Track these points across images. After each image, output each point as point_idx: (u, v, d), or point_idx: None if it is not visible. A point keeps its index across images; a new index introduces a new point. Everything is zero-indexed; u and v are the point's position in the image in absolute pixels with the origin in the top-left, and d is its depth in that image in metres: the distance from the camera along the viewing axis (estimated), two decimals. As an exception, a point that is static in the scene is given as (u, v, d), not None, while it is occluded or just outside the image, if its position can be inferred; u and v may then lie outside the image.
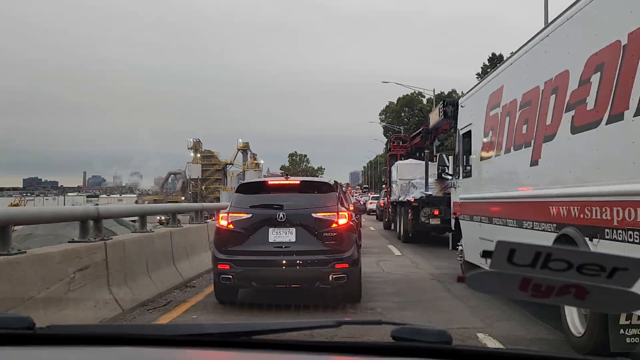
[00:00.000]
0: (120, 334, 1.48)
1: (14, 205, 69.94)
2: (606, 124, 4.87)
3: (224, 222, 7.71)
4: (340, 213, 7.65)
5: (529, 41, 7.23)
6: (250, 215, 7.69)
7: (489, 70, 45.17)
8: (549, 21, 7.03)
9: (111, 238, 7.80)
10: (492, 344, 5.64)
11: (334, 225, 7.56)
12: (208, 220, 13.34)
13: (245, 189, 8.32)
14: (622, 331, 4.62)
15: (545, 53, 6.50)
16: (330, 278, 7.33)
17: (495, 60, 48.28)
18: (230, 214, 7.75)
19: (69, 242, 7.16)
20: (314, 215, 7.60)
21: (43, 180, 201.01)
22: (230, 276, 7.43)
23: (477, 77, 48.53)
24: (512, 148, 7.45)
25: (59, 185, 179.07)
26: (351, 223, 7.81)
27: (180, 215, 13.37)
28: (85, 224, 7.16)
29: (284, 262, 7.41)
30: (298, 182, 8.34)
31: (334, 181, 8.56)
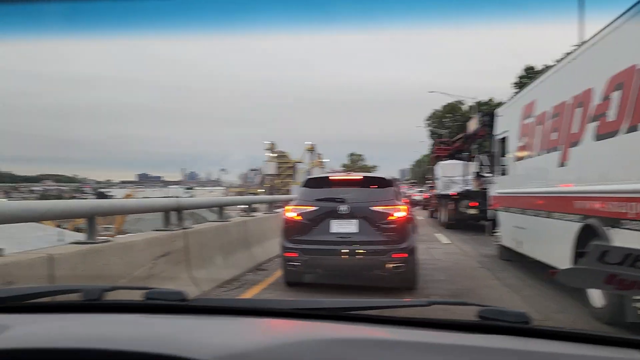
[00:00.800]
0: (251, 307, 1.51)
1: (128, 195, 71.98)
2: (624, 133, 4.98)
3: (291, 214, 7.05)
4: (397, 206, 6.85)
5: (557, 63, 7.56)
6: (315, 207, 6.98)
7: (523, 80, 42.96)
8: (581, 42, 7.60)
9: (192, 227, 7.24)
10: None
11: (392, 217, 6.76)
12: (277, 210, 12.69)
13: (311, 183, 7.58)
14: (634, 304, 4.70)
15: (573, 73, 6.59)
16: (389, 267, 6.56)
17: (530, 72, 45.76)
18: (297, 206, 7.09)
19: (153, 230, 6.64)
20: (373, 208, 6.82)
21: (151, 175, 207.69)
22: (297, 263, 6.79)
23: (513, 86, 46.18)
24: (543, 151, 7.52)
25: (162, 179, 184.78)
26: (408, 215, 6.98)
27: (256, 205, 12.92)
28: (167, 214, 6.63)
29: (346, 251, 6.67)
30: (359, 177, 7.54)
31: (392, 176, 7.72)
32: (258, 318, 1.39)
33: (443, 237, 15.21)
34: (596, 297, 5.54)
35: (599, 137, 5.53)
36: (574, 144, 6.23)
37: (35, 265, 3.95)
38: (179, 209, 6.83)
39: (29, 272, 3.83)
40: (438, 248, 12.40)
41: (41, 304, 1.47)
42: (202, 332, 1.14)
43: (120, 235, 6.55)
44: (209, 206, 9.20)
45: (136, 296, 1.48)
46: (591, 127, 5.72)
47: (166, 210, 6.59)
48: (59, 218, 4.69)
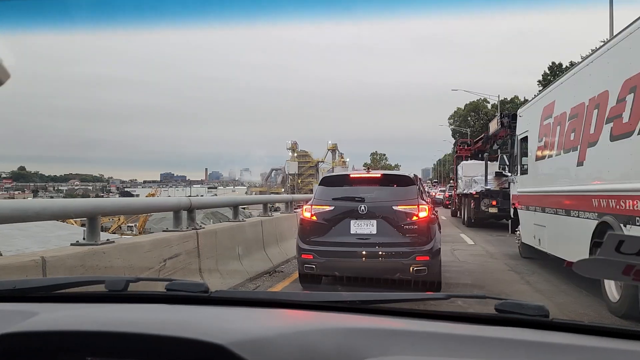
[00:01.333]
0: (271, 299, 1.51)
1: (151, 195, 72.53)
2: (638, 134, 5.12)
3: (307, 214, 6.65)
4: (420, 206, 6.39)
5: (575, 66, 7.76)
6: (333, 207, 6.57)
7: (549, 77, 41.79)
8: (605, 40, 7.92)
9: (203, 227, 6.91)
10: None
11: (415, 217, 6.31)
12: (297, 210, 12.33)
13: (328, 182, 7.16)
14: None
15: (590, 76, 6.69)
16: (411, 270, 6.11)
17: (555, 69, 44.48)
18: (313, 206, 6.67)
19: (163, 231, 6.32)
20: (394, 207, 6.38)
21: (174, 175, 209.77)
22: (313, 266, 6.38)
23: (538, 84, 44.94)
24: (562, 151, 7.61)
25: (186, 179, 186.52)
26: (431, 215, 6.52)
27: (278, 204, 12.57)
28: (178, 214, 6.30)
29: (365, 253, 6.26)
30: (379, 175, 7.10)
31: (414, 174, 7.25)
32: (277, 309, 1.39)
33: (467, 238, 14.67)
34: (611, 290, 5.75)
35: (614, 137, 5.70)
36: (591, 144, 6.40)
37: (27, 268, 3.65)
38: (190, 209, 6.50)
39: (20, 277, 3.52)
40: (463, 249, 11.86)
41: (68, 294, 1.51)
42: (221, 320, 1.16)
43: (125, 236, 6.24)
44: (221, 205, 8.89)
45: (160, 288, 1.50)
46: (607, 129, 5.90)
47: (176, 210, 6.26)
48: (56, 218, 4.38)
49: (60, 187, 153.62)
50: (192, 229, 6.43)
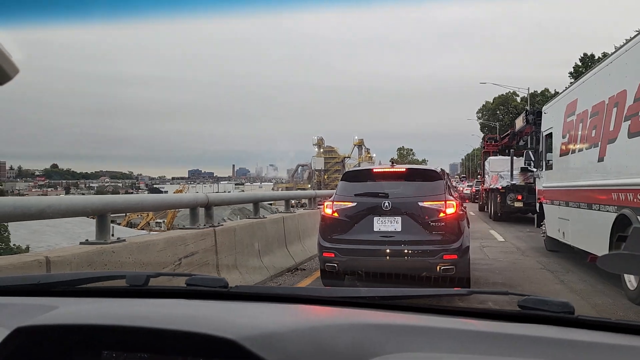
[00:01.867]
0: (290, 294, 1.49)
1: (179, 191, 73.24)
2: None
3: (328, 210, 6.35)
4: (447, 202, 6.02)
5: (596, 65, 8.03)
6: (355, 203, 6.25)
7: (581, 69, 40.46)
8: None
9: (222, 224, 6.69)
10: None
11: (442, 214, 5.94)
12: (320, 206, 12.06)
13: (351, 177, 6.83)
14: None
15: (609, 76, 6.91)
16: (438, 269, 5.77)
17: (587, 60, 43.03)
18: (335, 202, 6.37)
19: (179, 228, 6.13)
20: (420, 204, 6.02)
21: (202, 172, 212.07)
22: (335, 264, 6.08)
23: (569, 76, 43.54)
24: (584, 147, 7.87)
25: (214, 176, 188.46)
26: (459, 211, 6.16)
27: (304, 200, 12.32)
28: (194, 211, 6.10)
29: (389, 251, 5.93)
30: (404, 169, 6.75)
31: (441, 169, 6.88)
32: (294, 304, 1.36)
33: (497, 234, 14.18)
34: (630, 278, 6.02)
35: (632, 135, 5.93)
36: (611, 141, 6.63)
37: (31, 268, 3.48)
38: (207, 206, 6.29)
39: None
40: (493, 246, 11.41)
41: (89, 288, 1.54)
42: (236, 315, 1.15)
43: (140, 233, 6.08)
44: (240, 202, 8.64)
45: (180, 283, 1.50)
46: (625, 126, 6.13)
47: (193, 207, 6.05)
48: (63, 216, 4.21)
49: (91, 184, 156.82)
50: (210, 226, 6.22)
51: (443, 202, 5.99)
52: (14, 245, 28.21)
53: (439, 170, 6.70)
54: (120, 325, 1.04)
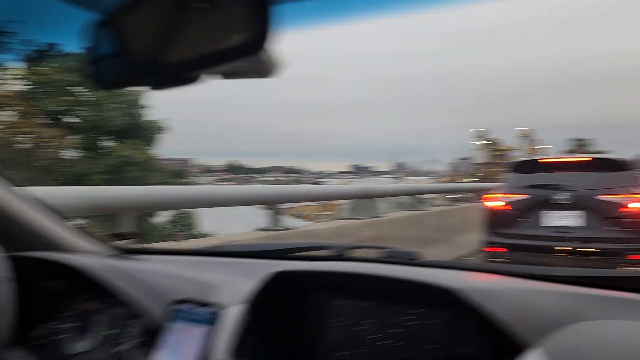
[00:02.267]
0: (481, 267, 1.46)
1: (343, 184, 75.81)
2: None
3: (495, 203, 6.02)
4: (636, 195, 5.32)
5: None
6: (526, 195, 5.82)
7: None
8: None
9: (385, 215, 6.77)
10: None
11: (629, 209, 5.27)
12: (482, 200, 11.54)
13: (522, 167, 6.31)
14: None
15: None
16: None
17: None
18: (502, 194, 6.01)
19: (344, 219, 6.36)
20: (602, 197, 5.39)
21: (363, 166, 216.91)
22: (502, 260, 5.76)
23: None
24: None
25: (374, 169, 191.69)
26: None
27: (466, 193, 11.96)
28: (356, 202, 6.27)
29: (564, 249, 5.43)
30: (584, 159, 6.08)
31: (629, 158, 6.07)
32: (490, 274, 1.34)
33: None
34: None
35: None
36: None
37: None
38: (368, 197, 6.40)
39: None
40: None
41: (300, 256, 1.65)
42: (445, 275, 1.14)
43: (310, 223, 6.43)
44: (395, 194, 8.60)
45: (375, 254, 1.58)
46: None
47: (353, 198, 6.23)
48: (242, 204, 4.70)
49: (263, 179, 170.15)
50: (374, 217, 6.34)
51: (630, 195, 5.31)
52: (197, 231, 31.77)
53: (623, 158, 5.94)
54: (357, 272, 1.14)
